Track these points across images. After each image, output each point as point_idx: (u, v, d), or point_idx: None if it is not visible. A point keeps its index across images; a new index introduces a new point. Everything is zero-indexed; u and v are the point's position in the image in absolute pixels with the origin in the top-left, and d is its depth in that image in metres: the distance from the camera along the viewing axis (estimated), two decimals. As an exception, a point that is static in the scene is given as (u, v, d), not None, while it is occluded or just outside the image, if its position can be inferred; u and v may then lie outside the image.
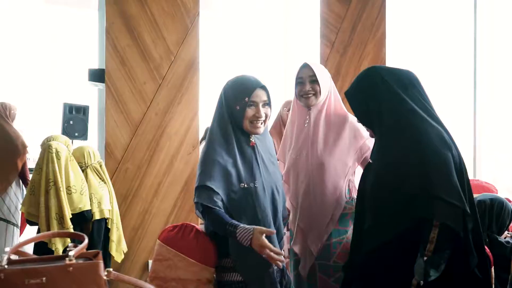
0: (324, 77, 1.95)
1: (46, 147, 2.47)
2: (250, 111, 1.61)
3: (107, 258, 2.57)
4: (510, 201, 2.18)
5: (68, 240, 2.32)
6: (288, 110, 2.19)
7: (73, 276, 0.95)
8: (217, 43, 5.92)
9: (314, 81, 1.92)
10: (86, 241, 1.05)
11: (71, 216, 2.36)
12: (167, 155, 3.25)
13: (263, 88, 1.64)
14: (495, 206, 1.97)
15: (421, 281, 1.38)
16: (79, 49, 6.02)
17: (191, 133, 3.28)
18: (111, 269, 1.03)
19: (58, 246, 2.31)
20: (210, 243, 1.60)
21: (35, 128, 5.11)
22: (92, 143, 3.65)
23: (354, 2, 3.99)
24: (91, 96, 4.64)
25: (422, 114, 1.50)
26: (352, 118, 1.93)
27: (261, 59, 6.27)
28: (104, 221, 2.51)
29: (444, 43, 4.53)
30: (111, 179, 3.17)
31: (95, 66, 3.54)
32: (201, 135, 3.48)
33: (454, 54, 4.58)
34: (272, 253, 1.43)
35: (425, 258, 1.38)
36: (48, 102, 6.10)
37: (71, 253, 0.97)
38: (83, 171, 2.56)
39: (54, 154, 2.41)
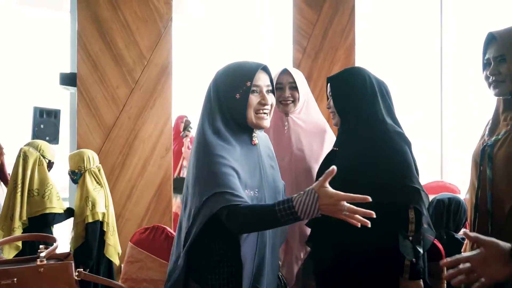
0: (303, 83, 1.96)
1: (18, 151, 2.61)
2: (254, 98, 1.34)
3: (103, 260, 2.60)
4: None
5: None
6: None
7: (44, 277, 0.98)
8: (191, 47, 5.95)
9: (294, 87, 1.91)
10: (56, 243, 1.08)
11: (24, 219, 2.49)
12: (140, 159, 3.26)
13: (266, 70, 1.39)
14: (452, 204, 2.09)
15: (413, 259, 1.48)
16: (51, 52, 5.94)
17: (164, 137, 3.30)
18: (81, 269, 1.07)
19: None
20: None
21: (6, 132, 5.01)
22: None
23: (325, 9, 4.10)
24: (63, 99, 4.60)
25: (390, 118, 1.65)
26: (328, 126, 2.00)
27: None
28: (98, 223, 2.54)
29: (411, 49, 4.70)
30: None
31: (67, 69, 3.53)
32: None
33: (420, 59, 4.76)
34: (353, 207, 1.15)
35: (410, 238, 1.49)
36: (20, 105, 5.99)
37: (42, 255, 1.00)
38: (81, 174, 2.63)
39: (21, 158, 2.58)
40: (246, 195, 1.26)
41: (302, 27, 4.26)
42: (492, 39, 1.49)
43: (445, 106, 4.75)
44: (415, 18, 4.73)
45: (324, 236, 1.59)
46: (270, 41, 6.21)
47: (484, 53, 1.52)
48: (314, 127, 1.98)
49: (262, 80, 1.35)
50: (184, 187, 1.37)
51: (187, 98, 5.73)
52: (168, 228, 1.68)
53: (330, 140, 1.97)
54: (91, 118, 3.20)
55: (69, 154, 2.81)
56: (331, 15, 4.11)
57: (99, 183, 2.63)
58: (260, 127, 1.37)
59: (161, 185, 3.29)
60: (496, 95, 1.51)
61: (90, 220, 2.50)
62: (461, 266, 0.91)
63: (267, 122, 1.37)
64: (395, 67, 4.59)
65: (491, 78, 1.49)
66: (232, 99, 1.32)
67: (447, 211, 2.08)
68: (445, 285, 1.78)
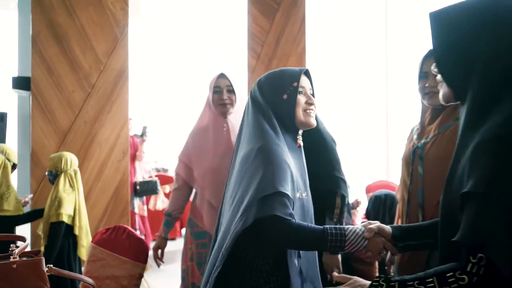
0: (238, 87, 2.08)
1: None
2: (301, 98, 1.36)
3: (76, 262, 2.63)
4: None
5: None
6: None
7: (17, 272, 1.06)
8: (147, 50, 5.97)
9: (231, 90, 2.02)
10: (27, 241, 1.16)
11: None
12: (97, 163, 3.29)
13: (307, 74, 1.42)
14: (387, 200, 2.32)
15: None
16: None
17: (121, 141, 3.35)
18: (51, 265, 1.15)
19: None
20: (141, 243, 1.74)
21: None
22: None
23: (278, 18, 4.29)
24: (10, 103, 4.50)
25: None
26: None
27: (190, 69, 6.42)
28: (63, 224, 2.55)
29: (357, 56, 4.99)
30: (37, 188, 3.16)
31: (15, 73, 3.49)
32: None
33: (367, 65, 5.05)
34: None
35: (334, 220, 1.78)
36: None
37: (15, 252, 1.08)
38: (57, 175, 2.65)
39: None
40: (297, 197, 1.28)
41: (256, 34, 4.44)
42: (432, 54, 1.63)
43: (391, 109, 5.09)
44: (361, 28, 5.02)
45: None
46: (225, 46, 6.34)
47: (422, 65, 1.70)
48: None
49: (306, 82, 1.40)
50: (231, 186, 1.34)
51: (144, 102, 5.77)
52: (130, 228, 1.78)
53: None
54: (46, 122, 3.20)
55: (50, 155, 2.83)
56: (283, 23, 4.31)
57: (72, 186, 2.66)
58: (308, 125, 1.39)
59: (118, 188, 3.33)
60: (430, 104, 1.70)
61: (54, 219, 2.52)
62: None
63: (314, 120, 1.40)
64: (342, 73, 4.85)
65: (427, 89, 1.67)
66: (279, 100, 1.34)
67: (383, 206, 2.31)
68: (377, 269, 2.00)
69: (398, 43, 4.97)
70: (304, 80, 1.38)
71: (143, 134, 5.08)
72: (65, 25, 3.23)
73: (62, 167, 2.65)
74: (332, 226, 1.19)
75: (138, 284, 1.71)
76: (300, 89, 1.36)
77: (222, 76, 2.04)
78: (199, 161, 2.10)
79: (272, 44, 4.36)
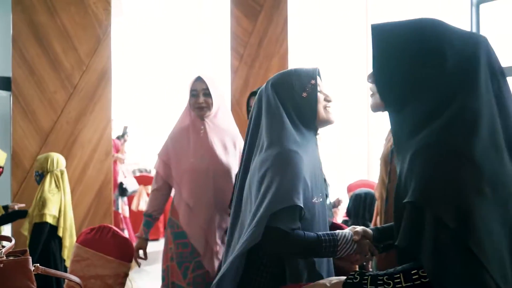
0: (216, 90, 2.10)
1: None
2: (320, 95, 1.35)
3: (62, 263, 2.62)
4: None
5: None
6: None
7: (4, 271, 1.08)
8: (130, 53, 5.94)
9: (207, 94, 2.04)
10: (13, 241, 1.18)
11: None
12: (79, 163, 3.28)
13: (319, 73, 1.42)
14: (367, 198, 2.39)
15: None
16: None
17: (104, 141, 3.34)
18: (38, 264, 1.17)
19: None
20: (126, 242, 1.76)
21: None
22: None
23: (260, 19, 4.33)
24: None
25: None
26: (238, 131, 2.18)
27: (173, 70, 6.41)
28: (46, 225, 2.53)
29: (339, 57, 5.07)
30: (18, 190, 3.13)
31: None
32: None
33: (348, 66, 5.14)
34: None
35: None
36: None
37: (1, 251, 1.09)
38: (43, 176, 2.65)
39: None
40: (314, 202, 1.27)
41: (239, 35, 4.47)
42: None
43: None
44: (342, 28, 5.10)
45: None
46: (208, 46, 6.35)
47: None
48: (228, 131, 2.15)
49: (320, 80, 1.39)
50: (247, 188, 1.34)
51: (126, 102, 5.74)
52: (115, 228, 1.79)
53: (240, 144, 2.15)
54: (27, 123, 3.17)
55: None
56: (266, 25, 4.35)
57: (58, 186, 2.64)
58: (329, 122, 1.37)
59: (101, 188, 3.32)
60: None
61: (37, 220, 2.51)
62: None
63: (334, 116, 1.38)
64: (324, 74, 4.93)
65: None
66: (300, 98, 1.31)
67: (363, 204, 2.38)
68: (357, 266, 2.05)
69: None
70: (319, 78, 1.38)
71: (124, 134, 5.06)
72: (46, 25, 3.21)
73: (48, 167, 2.64)
74: (325, 233, 1.21)
75: (124, 283, 1.73)
76: (318, 88, 1.35)
77: (198, 79, 2.06)
78: (177, 161, 2.12)
79: (255, 45, 4.40)
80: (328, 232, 1.24)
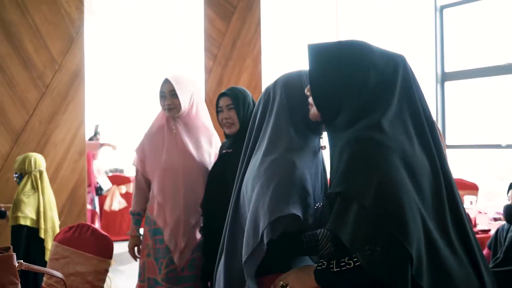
0: (184, 90, 2.13)
1: None
2: None
3: (44, 265, 2.57)
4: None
5: None
6: None
7: (-11, 267, 1.10)
8: (103, 52, 5.87)
9: (174, 95, 2.08)
10: (-5, 239, 1.20)
11: None
12: (52, 163, 3.24)
13: None
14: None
15: None
16: None
17: (78, 141, 3.32)
18: (21, 261, 1.19)
19: None
20: (106, 239, 1.78)
21: None
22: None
23: (234, 21, 4.39)
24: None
25: None
26: (214, 129, 2.25)
27: (147, 70, 6.37)
28: (23, 228, 2.49)
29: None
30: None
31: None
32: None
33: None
34: None
35: None
36: None
37: (-13, 248, 1.12)
38: (22, 177, 2.61)
39: None
40: (317, 208, 1.24)
41: (212, 36, 4.52)
42: None
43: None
44: (313, 30, 5.22)
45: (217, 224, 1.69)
46: (182, 46, 6.36)
47: None
48: (203, 129, 2.21)
49: None
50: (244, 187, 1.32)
51: (99, 102, 5.67)
52: (94, 226, 1.82)
53: (216, 142, 2.23)
54: (-3, 122, 3.12)
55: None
56: (239, 26, 4.41)
57: (34, 187, 2.60)
58: None
59: (74, 189, 3.30)
60: None
61: (12, 223, 2.48)
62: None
63: None
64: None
65: None
66: (304, 101, 1.26)
67: None
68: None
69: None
70: None
71: (96, 134, 5.01)
72: (18, 23, 3.16)
73: (26, 168, 2.59)
74: (306, 233, 1.20)
75: (104, 279, 1.76)
76: None
77: (166, 81, 2.12)
78: (152, 159, 2.18)
79: (229, 46, 4.45)
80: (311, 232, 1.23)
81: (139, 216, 2.17)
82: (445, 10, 4.41)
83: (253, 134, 1.36)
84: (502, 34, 4.06)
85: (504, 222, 2.20)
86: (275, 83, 1.36)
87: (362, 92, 1.10)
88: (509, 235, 1.99)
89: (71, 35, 3.30)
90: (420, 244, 0.96)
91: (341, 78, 1.12)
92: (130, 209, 2.19)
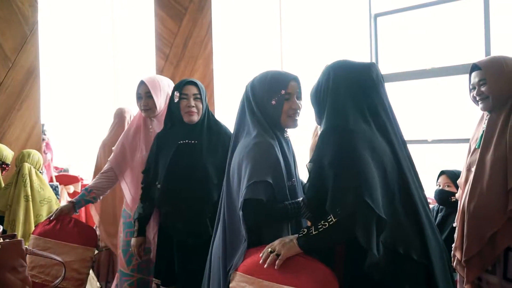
0: (158, 92, 2.24)
1: None
2: (287, 104, 1.54)
3: None
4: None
5: None
6: None
7: (2, 252, 1.21)
8: (56, 50, 5.68)
9: (149, 96, 2.20)
10: (1, 228, 1.30)
11: None
12: (6, 162, 3.20)
13: (296, 80, 1.59)
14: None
15: None
16: None
17: (33, 140, 3.30)
18: (26, 246, 1.31)
19: None
20: (89, 228, 1.89)
21: None
22: None
23: (185, 22, 4.51)
24: None
25: None
26: None
27: (99, 68, 6.25)
28: None
29: (258, 59, 5.43)
30: None
31: None
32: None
33: (265, 67, 5.53)
34: None
35: None
36: None
37: (-1, 235, 1.22)
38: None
39: None
40: (289, 185, 1.49)
41: (164, 36, 4.59)
42: (475, 68, 1.83)
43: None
44: (259, 32, 5.46)
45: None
46: (130, 47, 6.32)
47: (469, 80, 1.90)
48: None
49: (294, 88, 1.56)
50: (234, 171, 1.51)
51: (56, 101, 5.48)
52: (74, 217, 1.91)
53: None
54: None
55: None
56: (190, 27, 4.53)
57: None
58: (291, 127, 1.59)
59: (30, 187, 3.27)
60: (482, 109, 1.84)
61: None
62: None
63: (296, 123, 1.58)
64: (246, 75, 5.25)
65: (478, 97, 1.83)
66: (267, 105, 1.53)
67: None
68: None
69: (292, 50, 5.53)
70: (292, 85, 1.56)
71: (43, 132, 4.90)
72: (-32, 19, 3.08)
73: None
74: (290, 201, 1.48)
75: (89, 266, 1.86)
76: (286, 96, 1.54)
77: (141, 83, 2.24)
78: (128, 157, 2.29)
79: (180, 46, 4.55)
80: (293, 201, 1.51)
81: (85, 191, 2.21)
82: (378, 18, 4.84)
83: (236, 125, 1.60)
84: (428, 41, 4.55)
85: (432, 205, 2.56)
86: (251, 82, 1.62)
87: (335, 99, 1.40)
88: (439, 215, 2.34)
89: (24, 33, 3.27)
90: (381, 206, 1.20)
91: (325, 91, 1.42)
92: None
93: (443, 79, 4.36)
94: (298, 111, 1.57)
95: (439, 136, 3.71)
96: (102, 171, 2.31)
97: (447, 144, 3.89)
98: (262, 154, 1.44)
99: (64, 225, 1.83)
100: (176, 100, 1.99)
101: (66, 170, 6.04)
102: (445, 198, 2.30)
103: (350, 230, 1.19)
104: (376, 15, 4.80)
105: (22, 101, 3.26)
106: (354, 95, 1.37)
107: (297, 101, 1.57)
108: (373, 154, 1.26)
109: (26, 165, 2.64)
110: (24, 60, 3.26)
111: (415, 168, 1.40)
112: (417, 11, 4.56)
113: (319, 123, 1.45)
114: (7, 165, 2.77)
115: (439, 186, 2.36)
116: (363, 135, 1.29)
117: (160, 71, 4.62)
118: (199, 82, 2.09)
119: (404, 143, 1.40)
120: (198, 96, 2.02)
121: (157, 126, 2.28)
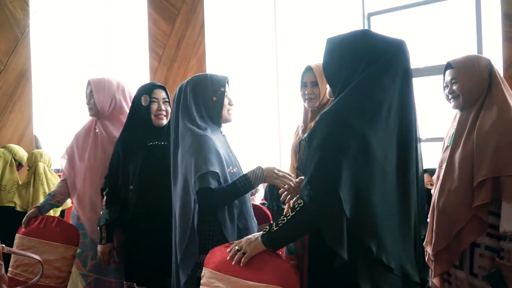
0: (101, 93, 2.29)
1: None
2: (226, 100, 1.76)
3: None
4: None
5: None
6: None
7: (-22, 250, 1.25)
8: (48, 52, 5.73)
9: (92, 96, 2.29)
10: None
11: None
12: (-1, 163, 3.25)
13: (227, 81, 1.81)
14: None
15: None
16: None
17: (25, 141, 3.34)
18: (3, 245, 1.35)
19: None
20: (71, 227, 1.93)
21: None
22: None
23: (178, 22, 4.54)
24: None
25: None
26: None
27: (93, 69, 6.30)
28: None
29: (252, 59, 5.46)
30: None
31: None
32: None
33: (260, 67, 5.55)
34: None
35: None
36: None
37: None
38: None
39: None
40: (229, 172, 1.65)
41: (157, 37, 4.63)
42: (308, 69, 1.98)
43: (282, 107, 5.66)
44: (253, 33, 5.49)
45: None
46: (124, 47, 6.36)
47: (303, 77, 2.06)
48: (121, 129, 2.32)
49: (227, 87, 1.78)
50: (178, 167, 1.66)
51: (48, 102, 5.52)
52: (58, 217, 1.96)
53: None
54: None
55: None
56: (183, 28, 4.57)
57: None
58: (229, 121, 1.80)
59: (23, 188, 3.32)
60: (310, 107, 2.07)
61: None
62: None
63: (233, 117, 1.80)
64: (239, 77, 5.28)
65: (307, 95, 2.03)
66: (211, 101, 1.72)
67: (277, 188, 2.75)
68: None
69: (286, 50, 5.56)
70: (227, 85, 1.77)
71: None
72: (-40, 22, 3.13)
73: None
74: (242, 177, 1.63)
75: (71, 264, 1.91)
76: (225, 93, 1.74)
77: (88, 83, 2.33)
78: (78, 158, 2.33)
79: (173, 47, 4.59)
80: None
81: (49, 196, 2.23)
82: (372, 18, 4.87)
83: (174, 123, 1.75)
84: (421, 40, 4.57)
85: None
86: (186, 84, 1.77)
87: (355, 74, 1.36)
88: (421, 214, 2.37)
89: (16, 36, 3.31)
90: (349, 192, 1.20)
91: (341, 66, 1.38)
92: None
93: (436, 77, 4.38)
94: (234, 107, 1.79)
95: (432, 135, 3.73)
96: (62, 178, 2.34)
97: (434, 143, 3.91)
98: (202, 147, 1.59)
99: (48, 224, 1.88)
100: (145, 103, 2.09)
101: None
102: (428, 196, 2.33)
103: (313, 219, 1.21)
104: (370, 14, 4.81)
105: (14, 103, 3.31)
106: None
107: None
108: (365, 150, 1.24)
109: (41, 165, 2.82)
110: (16, 62, 3.31)
111: (418, 166, 1.39)
112: (410, 10, 4.58)
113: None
114: (22, 165, 2.98)
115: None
116: (361, 127, 1.26)
117: (154, 72, 4.66)
118: (165, 87, 2.23)
119: (417, 140, 1.41)
120: (167, 99, 2.15)
121: (103, 128, 2.31)
